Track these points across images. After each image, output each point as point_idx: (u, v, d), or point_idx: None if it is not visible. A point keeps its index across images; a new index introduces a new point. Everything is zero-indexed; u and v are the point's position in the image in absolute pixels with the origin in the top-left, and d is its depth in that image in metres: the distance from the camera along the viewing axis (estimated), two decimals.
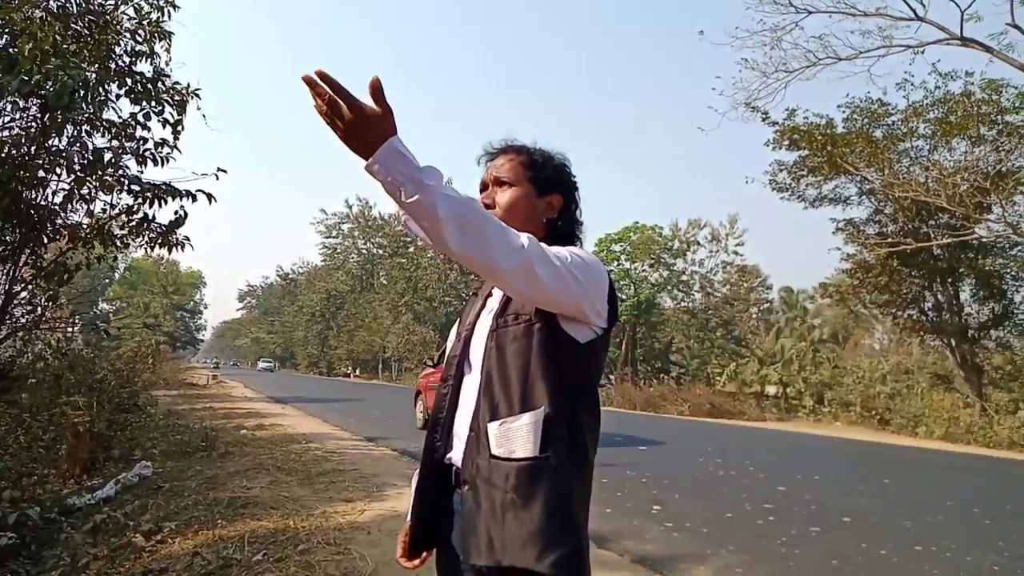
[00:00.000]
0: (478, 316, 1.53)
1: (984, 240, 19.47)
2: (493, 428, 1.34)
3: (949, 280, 20.69)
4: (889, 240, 20.13)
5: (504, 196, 1.50)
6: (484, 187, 1.55)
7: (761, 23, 26.56)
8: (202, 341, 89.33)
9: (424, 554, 1.57)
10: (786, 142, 19.96)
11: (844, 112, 19.48)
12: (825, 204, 21.88)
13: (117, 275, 55.71)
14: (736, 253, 39.55)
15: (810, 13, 17.65)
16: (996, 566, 4.61)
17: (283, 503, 5.22)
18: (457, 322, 1.67)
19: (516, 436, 1.33)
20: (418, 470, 1.56)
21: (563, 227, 1.55)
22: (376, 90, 1.15)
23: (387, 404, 19.90)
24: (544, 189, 1.53)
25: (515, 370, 1.36)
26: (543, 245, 1.30)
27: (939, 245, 19.53)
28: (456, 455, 1.44)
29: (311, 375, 66.51)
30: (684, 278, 39.78)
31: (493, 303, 1.51)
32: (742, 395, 27.98)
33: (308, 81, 1.13)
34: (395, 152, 1.15)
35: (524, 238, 1.26)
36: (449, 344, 1.67)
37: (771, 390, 28.94)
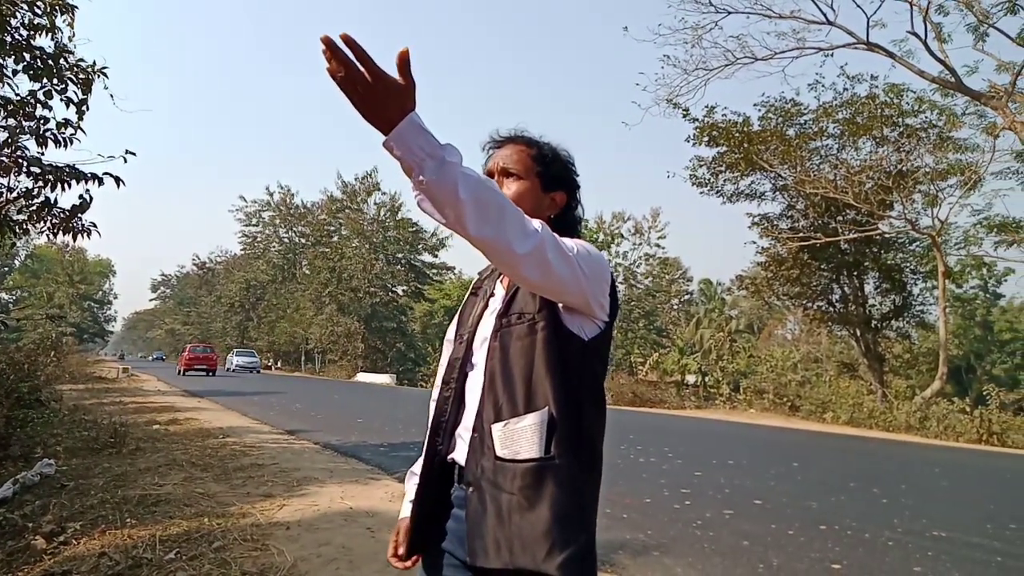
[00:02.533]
0: (480, 317, 1.49)
1: (886, 236, 20.70)
2: (497, 430, 1.32)
3: (855, 273, 21.90)
4: (800, 235, 21.14)
5: (511, 188, 1.47)
6: (489, 175, 1.50)
7: (683, 21, 27.31)
8: (112, 333, 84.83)
9: (415, 556, 1.53)
10: (705, 138, 20.63)
11: (760, 111, 20.33)
12: (742, 199, 22.78)
13: (17, 263, 52.23)
14: (658, 246, 40.79)
15: (729, 13, 18.29)
16: (891, 541, 4.94)
17: (197, 500, 5.04)
18: (454, 323, 1.61)
19: (521, 437, 1.31)
20: (418, 470, 1.51)
21: (564, 224, 1.52)
22: (404, 63, 1.10)
23: (309, 397, 19.48)
24: (550, 185, 1.50)
25: (518, 370, 1.34)
26: (553, 232, 1.28)
27: (846, 240, 20.64)
28: (459, 455, 1.41)
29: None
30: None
31: (495, 303, 1.48)
32: (663, 384, 28.85)
33: (328, 42, 1.07)
34: (416, 127, 1.11)
35: (537, 223, 1.23)
36: (447, 346, 1.62)
37: (691, 379, 29.98)
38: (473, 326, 1.49)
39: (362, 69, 1.08)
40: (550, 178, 1.50)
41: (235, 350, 47.96)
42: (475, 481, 1.35)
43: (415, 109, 1.12)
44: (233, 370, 41.05)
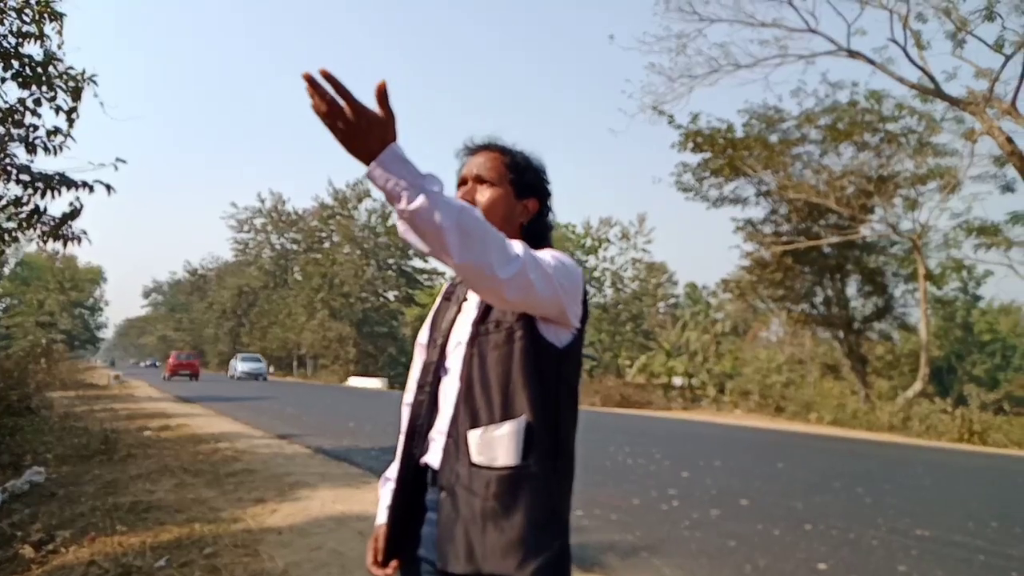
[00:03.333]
0: (453, 323, 1.50)
1: (868, 239, 20.95)
2: (474, 436, 1.33)
3: (837, 276, 22.13)
4: (784, 239, 21.35)
5: (485, 195, 1.47)
6: (463, 182, 1.51)
7: (668, 29, 27.52)
8: (103, 340, 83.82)
9: (394, 562, 1.51)
10: (690, 145, 20.79)
11: (743, 117, 20.54)
12: (726, 204, 22.98)
13: (7, 271, 51.55)
14: (645, 251, 41.10)
15: (713, 21, 18.47)
16: (875, 540, 5.02)
17: (189, 506, 5.05)
18: (426, 328, 1.62)
19: (498, 445, 1.31)
20: (393, 475, 1.52)
21: (536, 231, 1.54)
22: (382, 95, 1.12)
23: (301, 401, 19.44)
24: (523, 192, 1.51)
25: (496, 378, 1.35)
26: (531, 250, 1.29)
27: (828, 244, 20.86)
28: (432, 458, 1.42)
29: (222, 373, 63.93)
30: (596, 275, 40.83)
31: (470, 308, 1.49)
32: (650, 386, 28.96)
33: (309, 79, 1.09)
34: (397, 157, 1.12)
35: (518, 245, 1.25)
36: (419, 350, 1.63)
37: (677, 381, 30.06)
38: (447, 331, 1.50)
39: (343, 104, 1.10)
40: (523, 185, 1.51)
41: (239, 355, 43.47)
42: (449, 486, 1.35)
43: (396, 140, 1.14)
44: (238, 378, 37.11)
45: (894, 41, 17.41)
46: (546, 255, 1.35)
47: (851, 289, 22.74)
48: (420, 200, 1.11)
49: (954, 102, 17.53)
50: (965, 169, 18.71)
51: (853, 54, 17.99)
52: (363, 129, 1.12)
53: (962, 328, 39.69)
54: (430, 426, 1.46)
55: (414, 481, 1.46)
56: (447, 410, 1.42)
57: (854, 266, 21.86)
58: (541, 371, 1.35)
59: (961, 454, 12.83)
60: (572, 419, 1.42)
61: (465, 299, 1.54)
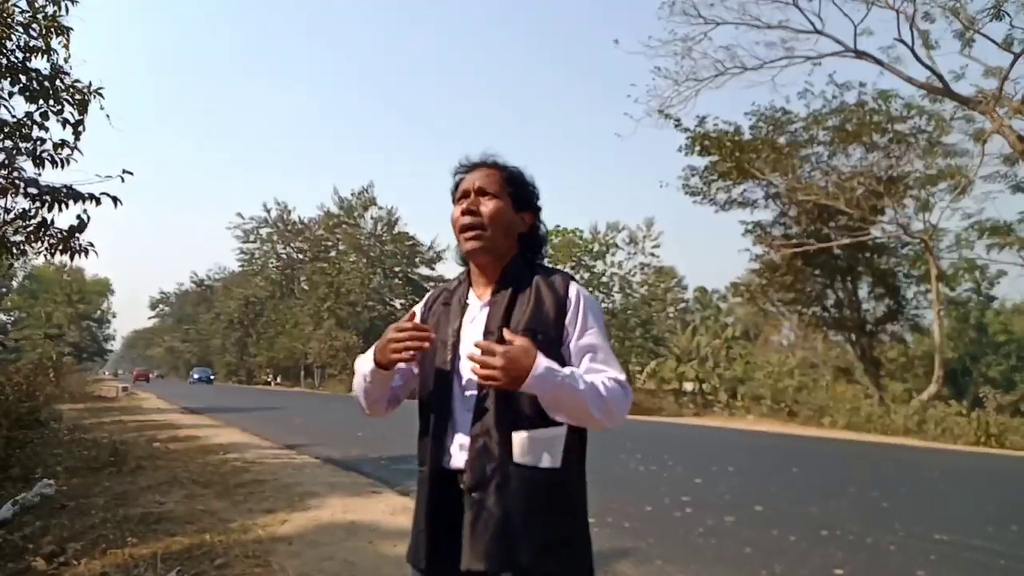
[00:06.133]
0: (460, 326, 1.55)
1: (879, 240, 20.81)
2: (519, 437, 1.40)
3: (848, 278, 21.99)
4: (794, 241, 21.23)
5: (488, 206, 1.54)
6: (465, 195, 1.57)
7: (673, 33, 27.49)
8: (111, 351, 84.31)
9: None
10: (697, 148, 20.75)
11: (751, 120, 20.48)
12: (735, 207, 22.90)
13: (15, 284, 52.01)
14: (653, 255, 40.77)
15: (718, 24, 18.44)
16: (893, 545, 4.95)
17: (199, 517, 5.03)
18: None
19: (545, 447, 1.40)
20: (425, 476, 1.54)
21: (534, 241, 1.63)
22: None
23: (310, 411, 19.46)
24: (520, 206, 1.59)
25: None
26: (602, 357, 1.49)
27: (839, 246, 20.73)
28: (457, 460, 1.46)
29: (230, 383, 64.06)
30: (604, 280, 40.64)
31: (475, 314, 1.56)
32: (661, 392, 28.85)
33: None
34: (547, 371, 1.33)
35: (618, 383, 1.43)
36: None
37: (688, 386, 29.95)
38: (456, 332, 1.55)
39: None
40: (520, 199, 1.60)
41: (195, 367, 62.88)
42: (481, 486, 1.39)
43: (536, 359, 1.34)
44: (191, 383, 52.71)
45: (901, 41, 17.34)
46: (602, 337, 1.51)
47: (863, 291, 22.60)
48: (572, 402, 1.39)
49: (963, 101, 17.42)
50: (976, 169, 18.60)
51: (860, 54, 17.92)
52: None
53: (976, 329, 39.29)
54: (446, 426, 1.50)
55: (440, 481, 1.50)
56: (466, 412, 1.47)
57: (865, 268, 21.73)
58: None
59: (978, 457, 12.68)
60: (586, 431, 1.51)
61: (467, 304, 1.59)
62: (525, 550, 1.35)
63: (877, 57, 17.89)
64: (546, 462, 1.40)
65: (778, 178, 20.59)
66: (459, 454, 1.46)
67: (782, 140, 20.44)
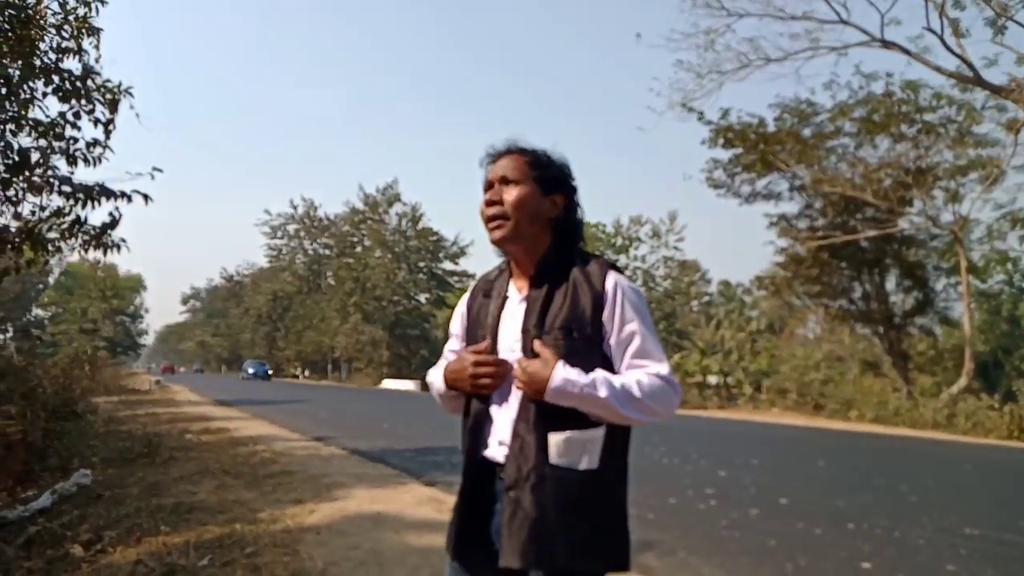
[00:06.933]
0: (499, 320, 1.55)
1: (907, 232, 20.46)
2: (556, 438, 1.39)
3: (876, 271, 21.65)
4: (819, 234, 20.95)
5: (512, 194, 1.51)
6: (490, 185, 1.55)
7: (695, 26, 27.23)
8: (144, 346, 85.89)
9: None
10: (721, 141, 20.55)
11: (775, 112, 20.22)
12: (759, 200, 22.66)
13: (52, 280, 53.17)
14: (676, 248, 40.56)
15: (741, 16, 18.22)
16: (922, 539, 4.89)
17: (230, 507, 5.13)
18: (461, 319, 1.68)
19: (583, 448, 1.39)
20: (464, 467, 1.55)
21: (566, 226, 1.58)
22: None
23: (336, 404, 19.66)
24: (548, 188, 1.55)
25: None
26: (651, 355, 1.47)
27: (865, 238, 20.41)
28: (494, 454, 1.47)
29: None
30: (627, 274, 40.38)
31: (514, 307, 1.54)
32: (684, 385, 28.59)
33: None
34: (564, 383, 1.36)
35: (660, 379, 1.43)
36: (455, 340, 1.69)
37: (712, 380, 29.68)
38: (493, 329, 1.54)
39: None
40: (547, 181, 1.55)
41: (248, 361, 55.06)
42: (517, 484, 1.39)
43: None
44: (245, 378, 46.61)
45: (930, 30, 16.97)
46: (647, 328, 1.49)
47: (890, 283, 22.24)
48: (600, 409, 1.41)
49: (995, 90, 17.01)
50: (1008, 159, 18.17)
51: (887, 44, 17.59)
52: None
53: (1008, 322, 38.46)
54: (491, 425, 1.50)
55: (479, 477, 1.51)
56: (509, 410, 1.46)
57: (893, 260, 21.37)
58: None
59: (1011, 451, 12.45)
60: (628, 429, 1.51)
61: (507, 296, 1.57)
62: (559, 550, 1.35)
63: (905, 47, 17.56)
64: (584, 464, 1.39)
65: (803, 170, 20.32)
66: (498, 449, 1.46)
67: (807, 132, 20.15)
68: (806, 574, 4.05)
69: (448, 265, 55.36)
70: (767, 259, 44.10)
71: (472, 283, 1.74)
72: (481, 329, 1.58)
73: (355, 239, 58.49)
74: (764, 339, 33.44)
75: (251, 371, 47.54)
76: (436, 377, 1.64)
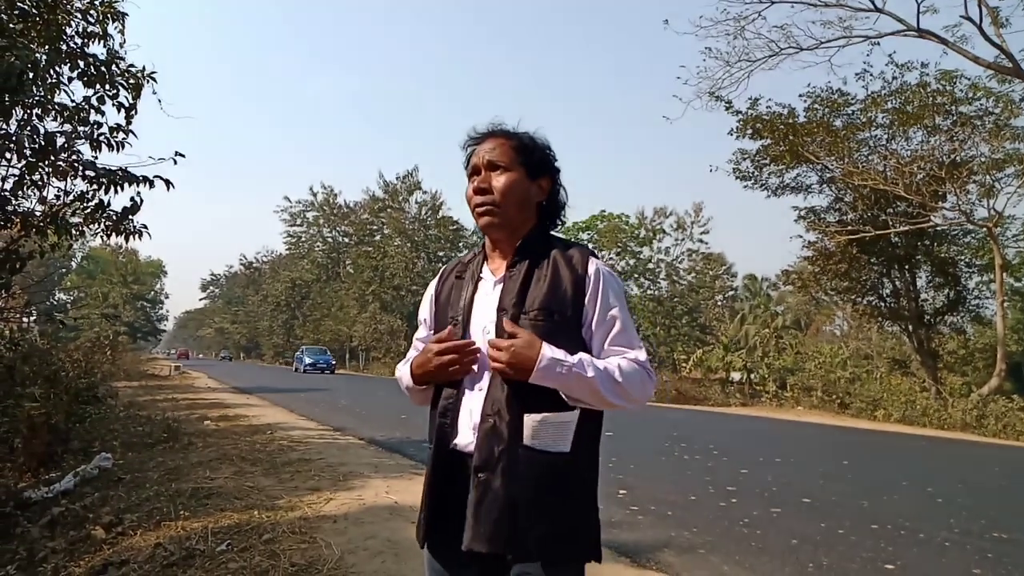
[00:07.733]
0: (472, 302, 1.53)
1: (939, 228, 20.00)
2: (530, 420, 1.37)
3: (906, 267, 21.21)
4: (849, 228, 20.54)
5: (500, 180, 1.50)
6: (476, 171, 1.53)
7: (725, 12, 26.76)
8: (164, 331, 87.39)
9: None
10: (749, 131, 20.21)
11: (805, 102, 19.79)
12: (787, 192, 22.26)
13: (74, 264, 54.22)
14: (701, 241, 40.05)
15: (773, 3, 17.84)
16: (947, 542, 4.78)
17: (248, 493, 5.16)
18: (429, 304, 1.65)
19: (558, 431, 1.38)
20: (431, 453, 1.54)
21: (553, 210, 1.59)
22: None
23: (354, 394, 19.78)
24: (535, 173, 1.54)
25: None
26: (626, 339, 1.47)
27: (897, 233, 19.99)
28: (465, 440, 1.44)
29: (277, 365, 65.72)
30: (650, 266, 40.15)
31: (488, 288, 1.52)
32: (707, 381, 28.37)
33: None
34: (552, 362, 1.35)
35: (638, 365, 1.43)
36: (424, 327, 1.67)
37: (735, 376, 29.40)
38: (466, 311, 1.52)
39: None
40: (534, 165, 1.54)
41: (304, 348, 43.67)
42: (488, 467, 1.36)
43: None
44: (301, 371, 36.65)
45: (968, 19, 16.50)
46: (625, 315, 1.48)
47: (921, 280, 21.76)
48: (584, 390, 1.41)
49: None
50: None
51: (923, 33, 17.15)
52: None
53: None
54: (459, 405, 1.48)
55: (448, 460, 1.48)
56: (478, 392, 1.44)
57: (924, 256, 20.91)
58: None
59: None
60: (601, 415, 1.50)
61: (480, 278, 1.55)
62: (530, 534, 1.32)
63: (941, 36, 17.10)
64: (556, 446, 1.37)
65: (834, 162, 19.91)
66: (468, 434, 1.43)
67: (838, 123, 19.71)
68: (828, 574, 3.96)
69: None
70: (794, 253, 43.60)
71: (443, 267, 1.72)
72: (452, 311, 1.55)
73: (374, 227, 58.67)
74: (789, 335, 33.07)
75: (308, 361, 37.38)
76: (404, 372, 1.61)
